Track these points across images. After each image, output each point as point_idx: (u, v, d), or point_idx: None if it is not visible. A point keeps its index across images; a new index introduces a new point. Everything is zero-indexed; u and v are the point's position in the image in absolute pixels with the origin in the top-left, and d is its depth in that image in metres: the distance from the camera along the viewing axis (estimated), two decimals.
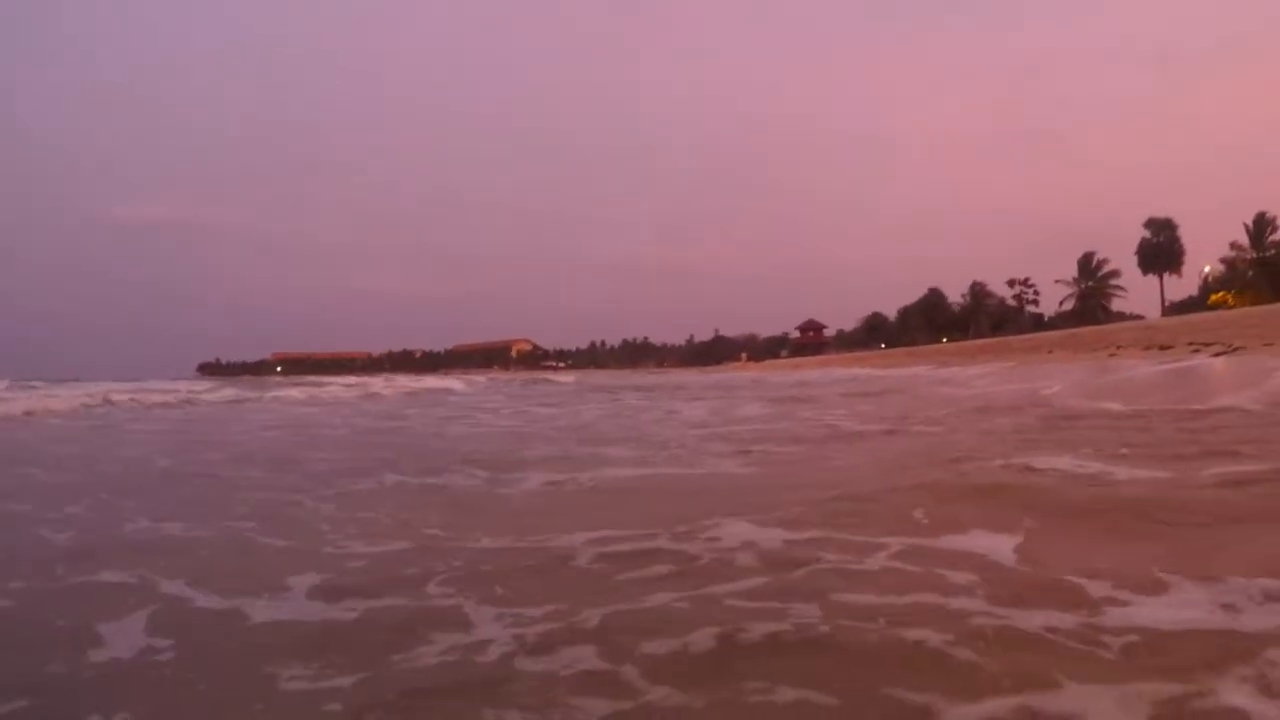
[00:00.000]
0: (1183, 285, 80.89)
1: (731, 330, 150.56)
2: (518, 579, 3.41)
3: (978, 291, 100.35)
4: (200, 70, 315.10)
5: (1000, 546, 3.60)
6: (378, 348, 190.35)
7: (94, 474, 7.48)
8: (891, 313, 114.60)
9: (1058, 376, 19.91)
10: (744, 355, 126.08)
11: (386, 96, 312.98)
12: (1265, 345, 29.29)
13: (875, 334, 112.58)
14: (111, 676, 2.53)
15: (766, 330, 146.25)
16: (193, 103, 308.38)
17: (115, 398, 20.96)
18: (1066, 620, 2.65)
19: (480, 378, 51.17)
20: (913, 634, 2.59)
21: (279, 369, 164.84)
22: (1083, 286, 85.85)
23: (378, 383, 39.46)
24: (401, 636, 2.74)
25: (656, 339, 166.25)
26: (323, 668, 2.50)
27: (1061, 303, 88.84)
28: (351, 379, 50.53)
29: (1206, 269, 75.72)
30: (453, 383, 39.93)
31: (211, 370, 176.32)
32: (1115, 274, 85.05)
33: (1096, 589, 2.96)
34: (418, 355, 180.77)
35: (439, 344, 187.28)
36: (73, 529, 4.73)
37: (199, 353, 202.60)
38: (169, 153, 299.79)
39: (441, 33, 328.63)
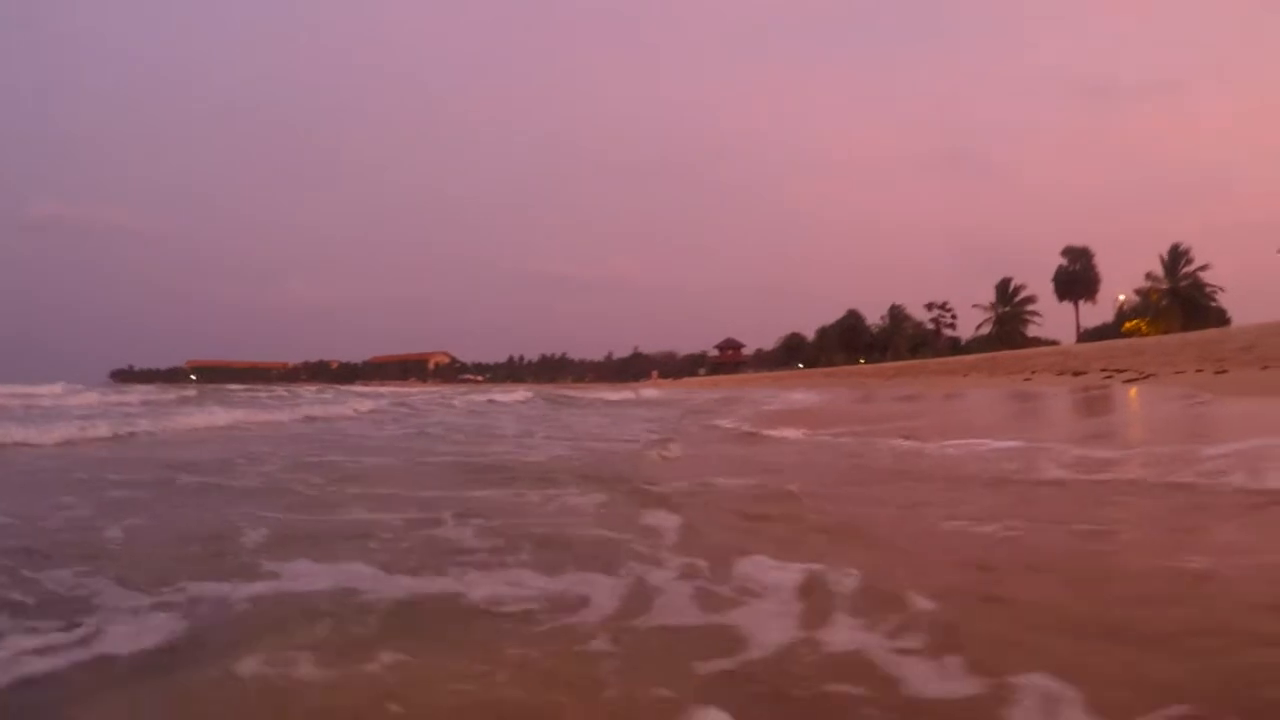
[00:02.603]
0: (1097, 312, 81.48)
1: (651, 347, 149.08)
2: None
3: (896, 314, 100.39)
4: (115, 74, 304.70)
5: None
6: (292, 358, 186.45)
7: None
8: (810, 333, 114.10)
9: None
10: (654, 373, 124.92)
11: (302, 104, 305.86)
12: (1176, 373, 28.65)
13: (793, 354, 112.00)
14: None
15: (686, 348, 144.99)
16: (107, 106, 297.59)
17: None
18: None
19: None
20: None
21: (193, 377, 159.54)
22: (999, 311, 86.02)
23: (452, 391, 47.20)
24: None
25: (575, 354, 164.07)
26: None
27: (978, 327, 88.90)
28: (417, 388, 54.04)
29: (1121, 298, 76.30)
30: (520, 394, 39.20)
31: (125, 377, 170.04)
32: (1032, 300, 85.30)
33: None
34: (334, 366, 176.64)
35: (354, 355, 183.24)
36: None
37: (109, 358, 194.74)
38: (80, 151, 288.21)
39: (355, 37, 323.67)
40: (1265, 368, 25.09)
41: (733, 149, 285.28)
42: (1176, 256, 68.89)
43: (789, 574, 3.53)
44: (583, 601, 3.35)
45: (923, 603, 3.13)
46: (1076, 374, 31.01)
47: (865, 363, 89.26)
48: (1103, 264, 77.89)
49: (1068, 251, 78.19)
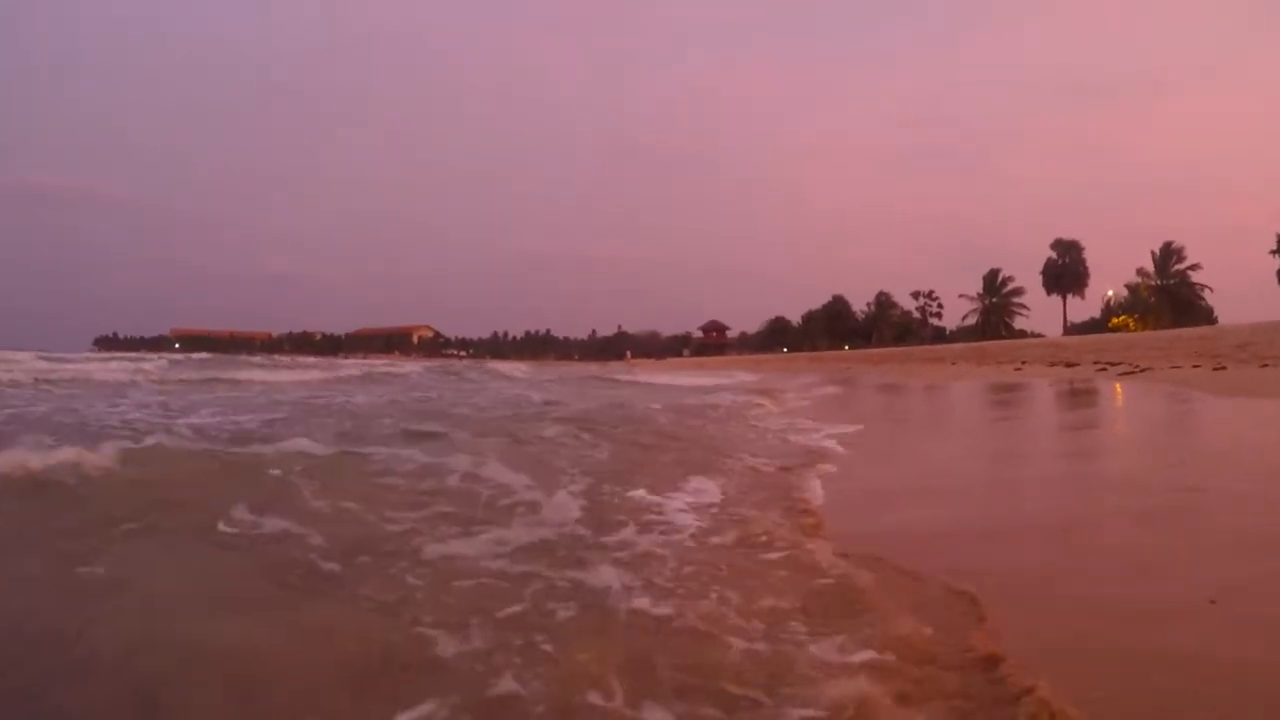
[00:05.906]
0: (1084, 307, 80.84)
1: (635, 327, 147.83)
2: None
3: (883, 301, 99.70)
4: (99, 41, 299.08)
5: None
6: (276, 328, 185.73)
7: None
8: (795, 317, 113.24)
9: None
10: (628, 353, 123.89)
11: (286, 73, 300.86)
12: (1173, 368, 27.77)
13: (777, 338, 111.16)
14: None
15: (670, 328, 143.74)
16: (91, 74, 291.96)
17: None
18: None
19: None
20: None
21: (177, 345, 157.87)
22: (986, 302, 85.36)
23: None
24: None
25: (559, 332, 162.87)
26: None
27: (965, 317, 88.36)
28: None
29: (1110, 293, 75.64)
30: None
31: (109, 344, 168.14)
32: (1019, 291, 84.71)
33: None
34: (317, 337, 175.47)
35: (337, 327, 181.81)
36: None
37: (91, 326, 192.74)
38: (60, 121, 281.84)
39: (339, 3, 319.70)
40: (1265, 365, 24.23)
41: (722, 133, 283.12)
42: (1168, 254, 68.45)
43: None
44: None
45: None
46: (1069, 365, 30.10)
47: (850, 349, 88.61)
48: (1091, 259, 77.20)
49: (1057, 244, 77.49)
